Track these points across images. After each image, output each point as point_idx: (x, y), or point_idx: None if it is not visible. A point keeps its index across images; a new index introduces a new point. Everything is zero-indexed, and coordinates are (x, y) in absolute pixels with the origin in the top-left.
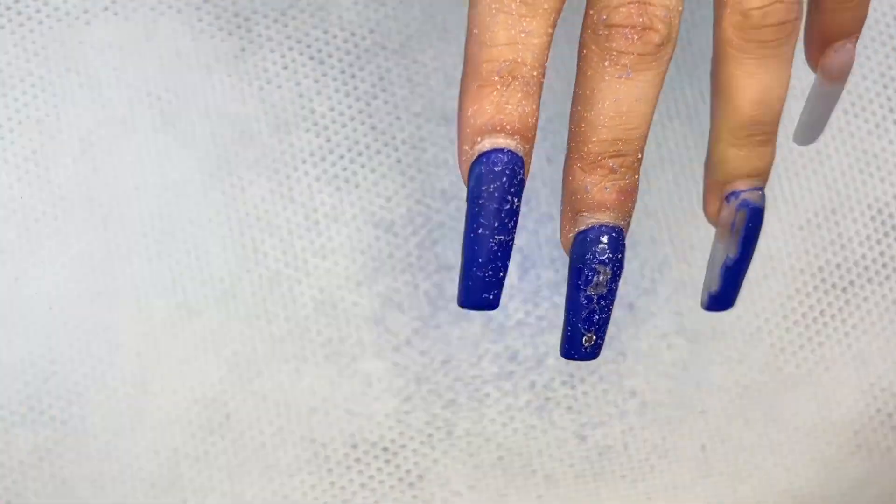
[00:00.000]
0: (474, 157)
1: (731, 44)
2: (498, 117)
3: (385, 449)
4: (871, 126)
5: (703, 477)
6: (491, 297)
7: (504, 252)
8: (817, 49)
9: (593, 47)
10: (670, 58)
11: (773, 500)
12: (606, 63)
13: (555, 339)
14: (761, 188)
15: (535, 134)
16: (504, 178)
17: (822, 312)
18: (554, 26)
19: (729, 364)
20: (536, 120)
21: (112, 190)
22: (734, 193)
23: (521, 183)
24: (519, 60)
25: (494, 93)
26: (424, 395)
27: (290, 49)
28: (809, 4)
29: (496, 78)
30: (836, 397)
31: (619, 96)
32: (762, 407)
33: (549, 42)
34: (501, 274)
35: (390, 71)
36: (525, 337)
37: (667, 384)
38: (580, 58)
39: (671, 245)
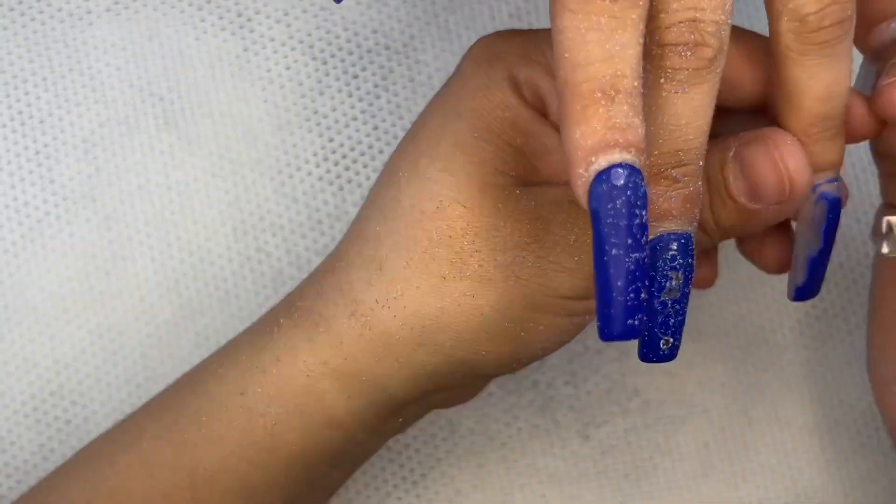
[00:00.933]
0: (592, 178)
1: (791, 49)
2: (610, 133)
3: (388, 448)
4: None
5: (705, 475)
6: (636, 322)
7: (642, 270)
8: (863, 30)
9: (648, 66)
10: (722, 68)
11: (776, 498)
12: (662, 80)
13: None
14: (836, 179)
15: (646, 144)
16: (629, 192)
17: (825, 311)
18: (643, 35)
19: (732, 363)
20: (644, 129)
21: (115, 190)
22: (812, 188)
23: (645, 195)
24: (619, 73)
25: (601, 110)
26: None
27: (293, 49)
28: None
29: (599, 94)
30: (838, 396)
31: (676, 111)
32: (765, 405)
33: (642, 50)
34: (643, 294)
35: (393, 71)
36: None
37: (669, 383)
38: None
39: None
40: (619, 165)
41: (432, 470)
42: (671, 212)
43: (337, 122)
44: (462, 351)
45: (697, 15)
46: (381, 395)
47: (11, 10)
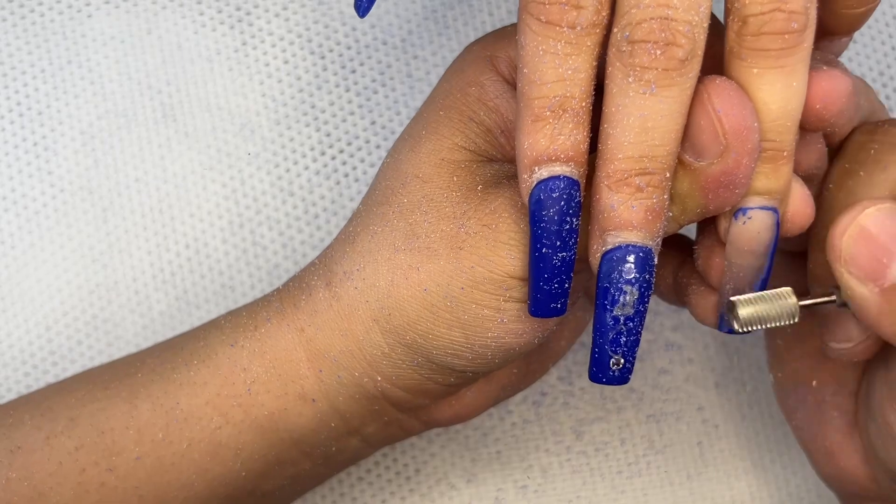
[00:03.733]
0: (533, 185)
1: (732, 50)
2: (552, 147)
3: None
4: None
5: (699, 473)
6: (559, 305)
7: (567, 266)
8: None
9: (617, 64)
10: (696, 74)
11: (769, 496)
12: (630, 79)
13: None
14: (772, 207)
15: (587, 157)
16: (562, 202)
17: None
18: (597, 58)
19: (725, 361)
20: (588, 144)
21: (112, 182)
22: (742, 210)
23: (579, 204)
24: (568, 95)
25: (547, 126)
26: None
27: (291, 43)
28: None
29: (548, 112)
30: None
31: (643, 112)
32: (759, 404)
33: (594, 73)
34: (566, 285)
35: (391, 66)
36: None
37: (663, 380)
38: (606, 76)
39: None
40: (558, 178)
41: (426, 465)
42: (631, 222)
43: (334, 116)
44: (411, 332)
45: (669, 13)
46: (349, 379)
47: (10, 1)
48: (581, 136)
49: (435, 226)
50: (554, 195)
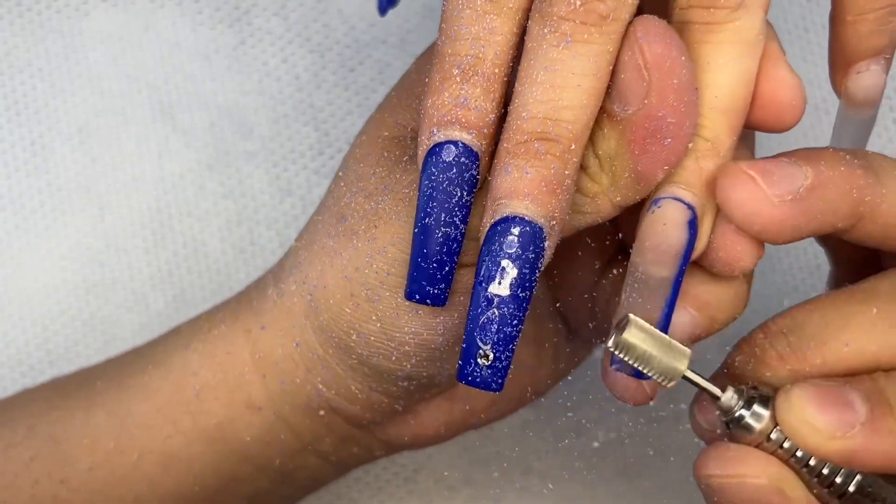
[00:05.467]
0: (429, 148)
1: (534, 19)
2: (455, 111)
3: None
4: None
5: None
6: (436, 290)
7: (451, 246)
8: (840, 69)
9: (536, 16)
10: (619, 38)
11: None
12: (546, 30)
13: None
14: (687, 203)
15: (495, 130)
16: (454, 170)
17: None
18: (520, 26)
19: None
20: (497, 116)
21: (110, 181)
22: (655, 201)
23: (474, 178)
24: (480, 56)
25: (454, 86)
26: None
27: (290, 42)
28: (831, 15)
29: (456, 71)
30: None
31: (554, 66)
32: None
33: (515, 42)
34: (447, 269)
35: (390, 65)
36: None
37: None
38: (526, 33)
39: None
40: (454, 143)
41: (425, 466)
42: (523, 190)
43: (333, 115)
44: (336, 327)
45: None
46: (292, 386)
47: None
48: (488, 105)
49: (359, 205)
50: (446, 160)
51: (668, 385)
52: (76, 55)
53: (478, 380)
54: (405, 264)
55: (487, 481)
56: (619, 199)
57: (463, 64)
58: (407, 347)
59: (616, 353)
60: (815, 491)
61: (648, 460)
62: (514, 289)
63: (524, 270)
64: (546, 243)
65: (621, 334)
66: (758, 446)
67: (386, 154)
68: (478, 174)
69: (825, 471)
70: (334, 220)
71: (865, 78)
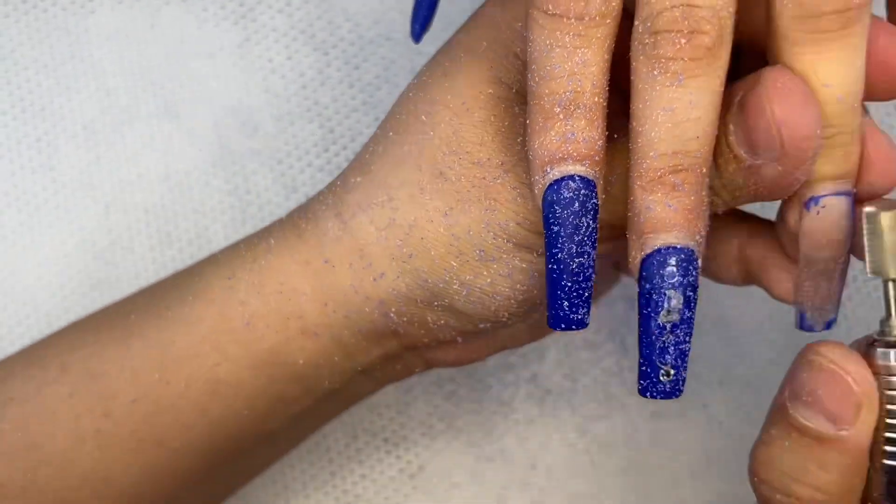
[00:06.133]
0: (546, 187)
1: (785, 36)
2: (564, 147)
3: (386, 440)
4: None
5: (703, 471)
6: (580, 316)
7: (585, 273)
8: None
9: (641, 57)
10: (726, 62)
11: None
12: (656, 72)
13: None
14: (846, 192)
15: (603, 156)
16: (577, 203)
17: None
18: (610, 51)
19: (731, 359)
20: (604, 142)
21: (115, 178)
22: (814, 199)
23: (595, 206)
24: (578, 90)
25: (558, 124)
26: (426, 386)
27: (295, 39)
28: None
29: (558, 109)
30: None
31: (672, 105)
32: (764, 402)
33: (607, 67)
34: (586, 294)
35: (394, 62)
36: None
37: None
38: (632, 72)
39: None
40: (571, 178)
41: (430, 462)
42: (669, 222)
43: (338, 112)
44: (434, 276)
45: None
46: (357, 315)
47: None
48: (595, 133)
49: (468, 171)
50: (567, 196)
51: (871, 271)
52: (81, 53)
53: (661, 393)
54: (524, 237)
55: (493, 478)
56: (737, 204)
57: (563, 101)
58: (511, 301)
59: (865, 223)
60: (881, 445)
61: (654, 457)
62: (682, 313)
63: (688, 293)
64: (699, 260)
65: (881, 213)
66: (874, 375)
67: (493, 119)
68: (598, 201)
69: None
70: (428, 175)
71: None
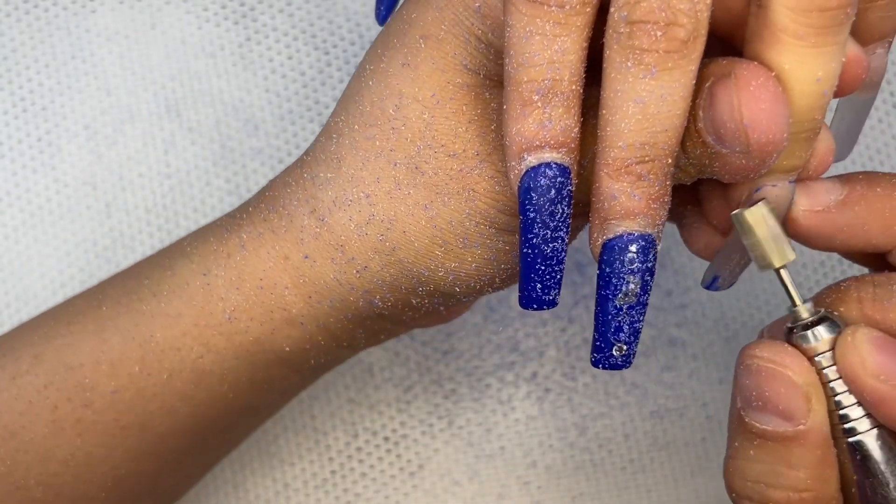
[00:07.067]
0: (522, 173)
1: (788, 31)
2: (541, 134)
3: (386, 438)
4: (874, 121)
5: (703, 469)
6: (552, 297)
7: (558, 257)
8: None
9: (615, 46)
10: (700, 55)
11: None
12: (629, 63)
13: (556, 329)
14: (793, 181)
15: (578, 143)
16: (553, 190)
17: None
18: (588, 39)
19: (729, 357)
20: (579, 129)
21: (116, 177)
22: (759, 189)
23: (570, 192)
24: (557, 78)
25: (536, 111)
26: (426, 384)
27: (295, 39)
28: None
29: (536, 97)
30: None
31: (643, 97)
32: None
33: (585, 55)
34: (558, 276)
35: None
36: (527, 328)
37: (667, 377)
38: (604, 59)
39: (672, 237)
40: (548, 165)
41: (430, 461)
42: (633, 211)
43: None
44: (419, 265)
45: None
46: (342, 304)
47: None
48: (572, 122)
49: (444, 164)
50: (544, 183)
51: (761, 267)
52: (83, 53)
53: (613, 366)
54: (506, 221)
55: (492, 477)
56: (700, 176)
57: (542, 89)
58: (496, 279)
59: (737, 226)
60: (839, 427)
61: (652, 455)
62: (639, 296)
63: (646, 278)
64: (658, 246)
65: (743, 212)
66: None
67: (465, 109)
68: (572, 188)
69: (846, 412)
70: (404, 169)
71: (872, 60)
